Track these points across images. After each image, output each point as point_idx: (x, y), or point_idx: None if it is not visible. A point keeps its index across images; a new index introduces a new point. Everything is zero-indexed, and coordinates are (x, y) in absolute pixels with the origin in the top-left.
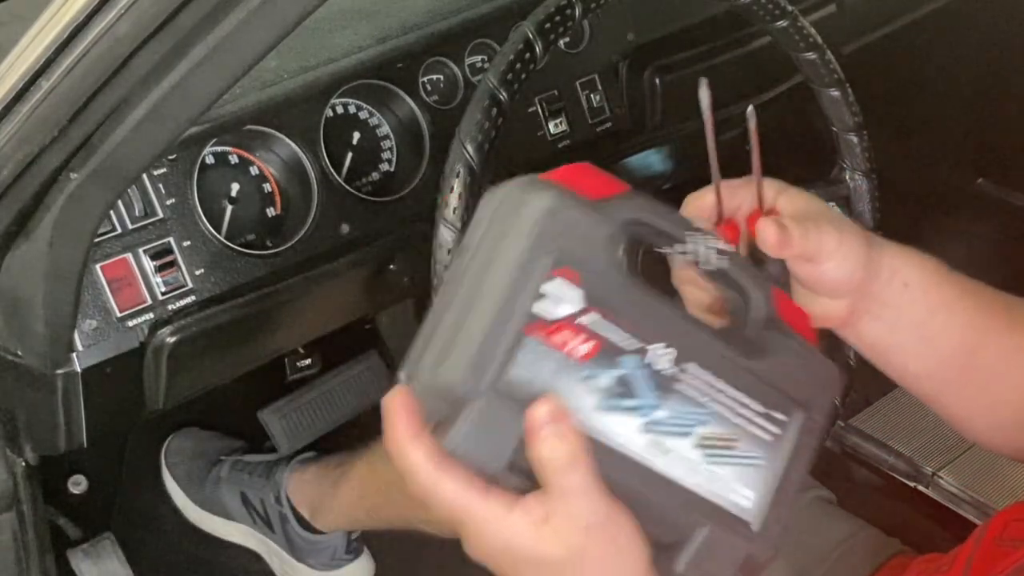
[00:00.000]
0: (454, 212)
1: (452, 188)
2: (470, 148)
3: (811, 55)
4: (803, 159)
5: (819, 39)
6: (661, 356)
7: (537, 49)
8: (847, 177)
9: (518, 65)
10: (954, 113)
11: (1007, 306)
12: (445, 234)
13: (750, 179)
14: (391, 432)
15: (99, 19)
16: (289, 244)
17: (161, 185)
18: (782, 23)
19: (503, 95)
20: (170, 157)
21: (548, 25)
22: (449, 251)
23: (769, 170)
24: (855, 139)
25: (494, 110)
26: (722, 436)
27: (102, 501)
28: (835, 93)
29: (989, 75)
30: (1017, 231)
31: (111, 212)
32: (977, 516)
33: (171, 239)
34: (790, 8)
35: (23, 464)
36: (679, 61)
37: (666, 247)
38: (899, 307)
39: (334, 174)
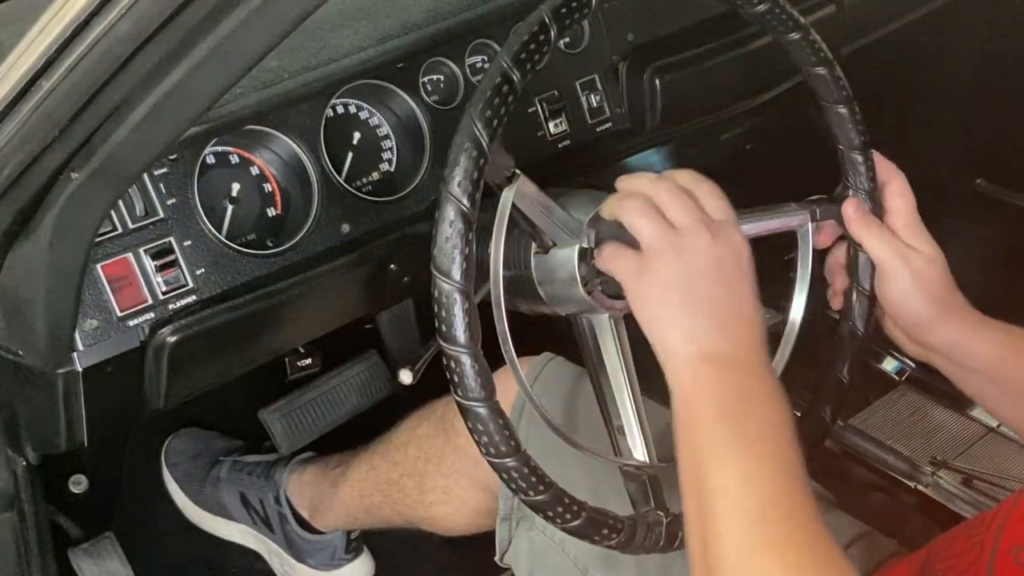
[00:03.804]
0: (459, 186)
1: (459, 162)
2: (479, 124)
3: (821, 70)
4: (803, 159)
5: (830, 54)
6: None
7: (552, 33)
8: (850, 195)
9: (532, 46)
10: (953, 113)
11: None
12: (449, 209)
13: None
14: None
15: (100, 19)
16: (290, 244)
17: (162, 185)
18: (794, 35)
19: (516, 74)
20: (171, 157)
21: (564, 10)
22: (451, 224)
23: (770, 169)
24: (859, 158)
25: (505, 87)
26: None
27: (102, 501)
28: (842, 110)
29: (988, 75)
30: (1017, 231)
31: (112, 212)
32: (976, 515)
33: (172, 239)
34: (803, 20)
35: (24, 463)
36: (679, 61)
37: None
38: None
39: (334, 174)
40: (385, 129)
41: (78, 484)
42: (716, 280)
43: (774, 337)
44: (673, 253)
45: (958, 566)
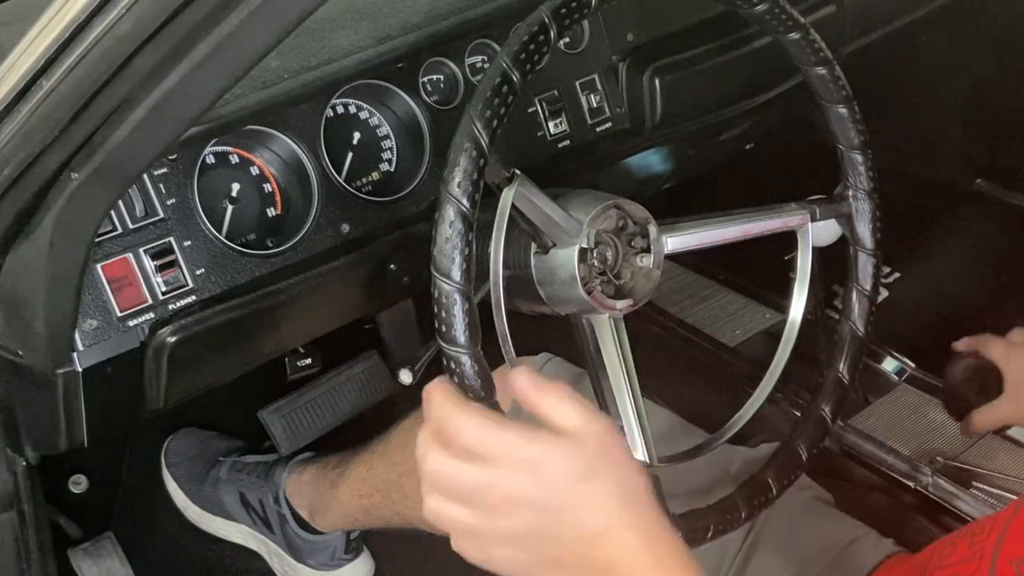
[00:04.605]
0: (459, 187)
1: (459, 163)
2: (479, 124)
3: (821, 70)
4: (803, 159)
5: (830, 53)
6: None
7: (552, 33)
8: (850, 195)
9: (532, 46)
10: (954, 113)
11: None
12: (449, 209)
13: None
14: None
15: (100, 19)
16: (289, 244)
17: (162, 185)
18: (794, 35)
19: (515, 74)
20: (171, 157)
21: (564, 10)
22: (451, 224)
23: (770, 169)
24: (859, 158)
25: (505, 87)
26: None
27: (102, 501)
28: (842, 110)
29: (988, 75)
30: (1017, 231)
31: (112, 212)
32: (976, 516)
33: (172, 239)
34: (802, 20)
35: (24, 464)
36: (679, 61)
37: None
38: None
39: (334, 174)
40: (385, 129)
41: (78, 484)
42: None
43: (774, 337)
44: None
45: (959, 575)
